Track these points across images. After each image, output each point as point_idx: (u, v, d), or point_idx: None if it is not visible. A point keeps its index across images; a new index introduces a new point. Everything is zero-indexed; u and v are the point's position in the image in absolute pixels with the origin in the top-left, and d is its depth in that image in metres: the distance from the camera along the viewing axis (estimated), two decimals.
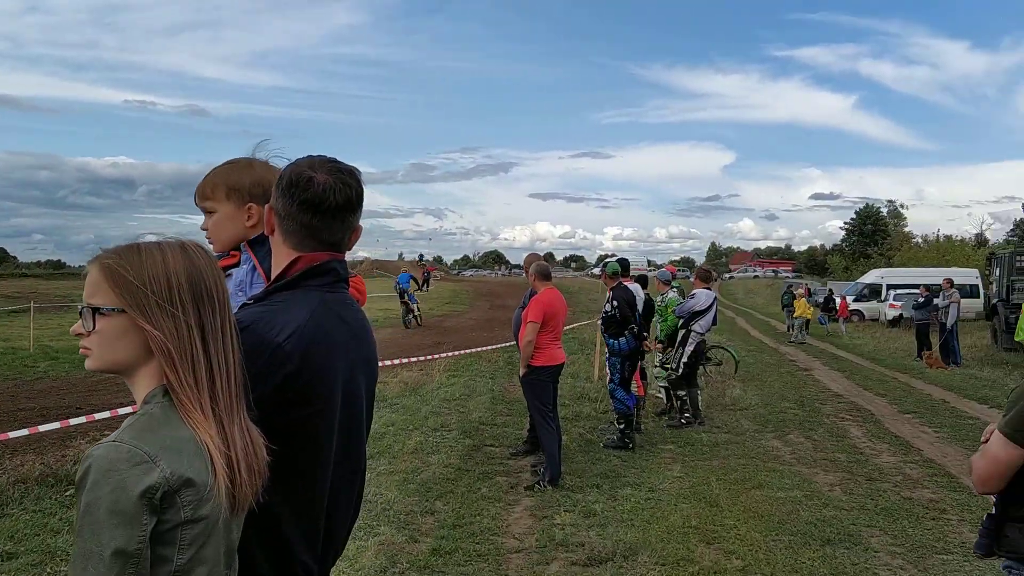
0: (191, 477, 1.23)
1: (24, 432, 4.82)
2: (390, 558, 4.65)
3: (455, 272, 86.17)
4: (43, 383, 11.24)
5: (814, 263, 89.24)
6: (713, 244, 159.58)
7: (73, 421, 5.15)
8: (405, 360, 10.42)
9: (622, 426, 7.53)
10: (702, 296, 8.95)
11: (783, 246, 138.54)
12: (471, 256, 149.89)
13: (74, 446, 6.95)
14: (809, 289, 26.51)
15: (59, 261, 68.03)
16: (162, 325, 1.30)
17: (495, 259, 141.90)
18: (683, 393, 8.83)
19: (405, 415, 8.93)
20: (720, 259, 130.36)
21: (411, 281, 23.67)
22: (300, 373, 1.54)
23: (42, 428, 4.84)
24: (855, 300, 30.67)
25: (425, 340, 17.87)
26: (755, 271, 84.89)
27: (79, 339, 1.35)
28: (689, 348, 8.82)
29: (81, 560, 1.16)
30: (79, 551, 1.17)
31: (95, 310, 1.31)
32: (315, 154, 1.69)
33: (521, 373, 6.47)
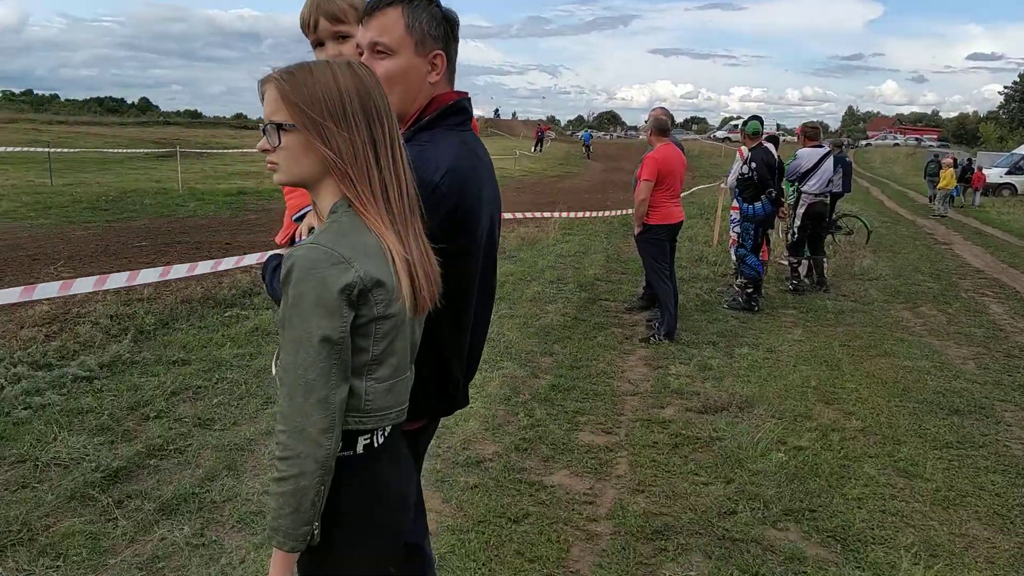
0: (381, 278, 1.34)
1: (184, 269, 5.30)
2: (513, 389, 4.96)
3: (569, 133, 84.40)
4: (194, 220, 12.14)
5: (963, 132, 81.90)
6: (850, 108, 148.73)
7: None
8: (520, 215, 10.56)
9: (750, 291, 7.46)
10: (805, 155, 8.46)
11: (930, 112, 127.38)
12: (585, 117, 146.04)
13: (228, 274, 7.62)
14: (955, 159, 24.46)
15: (196, 111, 71.32)
16: (336, 141, 1.37)
17: (610, 119, 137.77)
18: (794, 260, 8.58)
19: (523, 267, 9.17)
20: (857, 125, 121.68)
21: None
22: (457, 210, 1.64)
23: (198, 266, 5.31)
24: (1008, 173, 28.15)
25: (540, 199, 17.91)
26: (895, 138, 78.66)
27: (264, 155, 1.44)
28: (800, 211, 8.48)
29: (293, 346, 1.31)
30: (291, 338, 1.31)
31: (279, 126, 1.38)
32: None
33: (636, 232, 6.44)
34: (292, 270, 1.31)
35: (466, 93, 1.77)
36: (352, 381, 1.37)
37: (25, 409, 4.14)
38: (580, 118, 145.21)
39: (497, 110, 74.36)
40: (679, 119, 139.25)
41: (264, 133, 1.41)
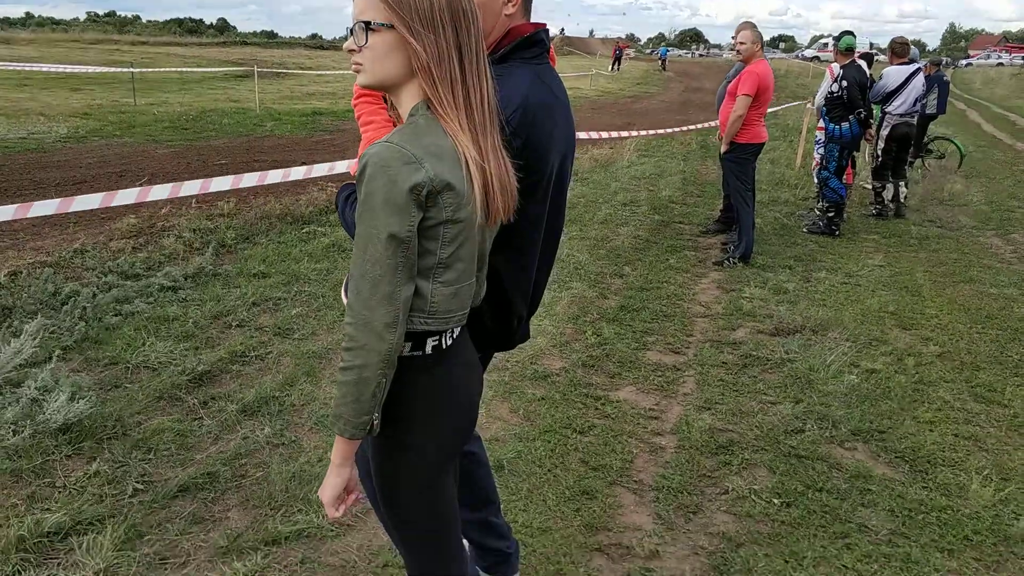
0: (451, 181, 1.35)
1: (254, 179, 5.44)
2: (582, 308, 4.99)
3: (648, 51, 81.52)
4: (271, 140, 12.37)
5: None
6: (952, 25, 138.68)
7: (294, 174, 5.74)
8: (595, 135, 10.36)
9: (831, 214, 7.22)
10: (892, 74, 7.94)
11: None
12: (666, 34, 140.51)
13: (305, 192, 7.79)
14: None
15: (272, 31, 71.82)
16: (424, 42, 1.36)
17: (692, 37, 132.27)
18: (878, 184, 8.20)
19: (595, 189, 9.06)
20: (958, 43, 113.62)
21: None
22: (525, 148, 1.59)
23: (269, 175, 5.45)
24: None
25: (616, 120, 17.52)
26: (999, 57, 73.20)
27: (351, 55, 1.43)
28: (884, 132, 8.04)
29: (363, 241, 1.35)
30: (361, 233, 1.35)
31: (367, 25, 1.38)
32: None
33: (723, 150, 6.25)
34: (365, 168, 1.33)
35: (544, 25, 1.71)
36: (419, 282, 1.40)
37: (116, 316, 4.39)
38: (661, 36, 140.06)
39: (563, 29, 71.94)
40: (766, 37, 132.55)
41: (351, 34, 1.42)
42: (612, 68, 42.94)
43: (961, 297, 5.49)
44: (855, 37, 7.45)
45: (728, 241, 6.61)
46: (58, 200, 4.26)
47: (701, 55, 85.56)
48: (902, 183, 8.29)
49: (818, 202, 7.48)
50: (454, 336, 1.53)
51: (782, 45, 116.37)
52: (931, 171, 10.97)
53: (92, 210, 5.31)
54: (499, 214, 1.46)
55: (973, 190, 9.87)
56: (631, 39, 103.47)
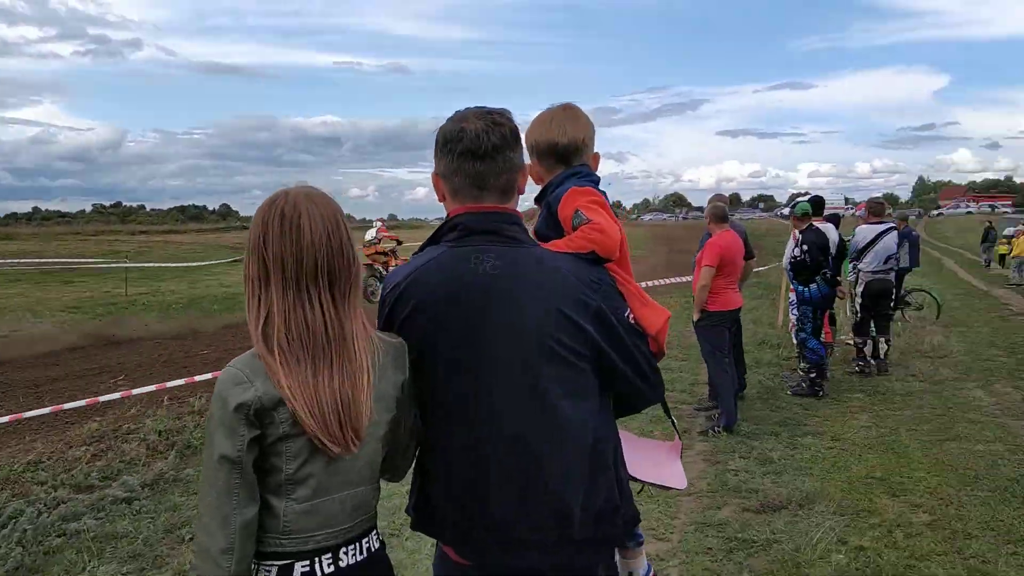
0: (282, 397, 1.36)
1: None
2: None
3: (633, 217, 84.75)
4: None
5: None
6: (921, 178, 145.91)
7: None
8: None
9: (814, 375, 7.19)
10: (862, 232, 8.25)
11: (1003, 178, 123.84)
12: (651, 199, 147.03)
13: None
14: None
15: None
16: (248, 268, 1.47)
17: (676, 202, 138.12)
18: (859, 340, 8.25)
19: None
20: (928, 194, 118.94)
21: None
22: (407, 321, 1.63)
23: None
24: None
25: None
26: (968, 206, 76.38)
27: None
28: (859, 288, 8.21)
29: (204, 465, 1.37)
30: (203, 458, 1.38)
31: None
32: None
33: (695, 318, 6.32)
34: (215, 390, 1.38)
35: (472, 208, 1.66)
36: (271, 500, 1.38)
37: (59, 536, 4.17)
38: (646, 201, 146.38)
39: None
40: (746, 198, 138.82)
41: None
42: None
43: (948, 457, 5.34)
44: (818, 203, 7.76)
45: (713, 407, 6.52)
46: (8, 416, 4.19)
47: (684, 218, 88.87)
48: (883, 339, 8.33)
49: (800, 363, 7.46)
50: (339, 565, 1.43)
51: (761, 205, 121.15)
52: (911, 323, 11.07)
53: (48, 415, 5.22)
54: (341, 440, 1.40)
55: (953, 340, 9.91)
56: (618, 206, 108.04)
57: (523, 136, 1.85)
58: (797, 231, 7.30)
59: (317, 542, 1.42)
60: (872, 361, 8.22)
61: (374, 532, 1.55)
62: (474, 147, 1.60)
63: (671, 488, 2.07)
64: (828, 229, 7.52)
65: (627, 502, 1.74)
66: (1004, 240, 23.15)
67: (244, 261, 1.46)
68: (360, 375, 1.44)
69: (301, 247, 1.43)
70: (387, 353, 1.54)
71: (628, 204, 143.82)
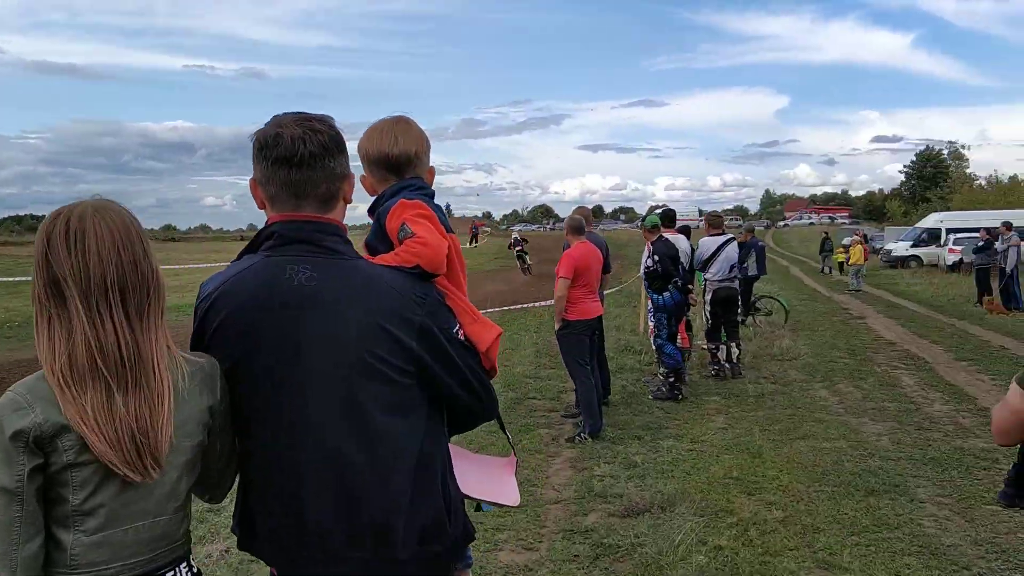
0: (66, 423, 1.27)
1: None
2: None
3: (504, 228, 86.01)
4: None
5: (872, 208, 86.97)
6: (767, 191, 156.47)
7: None
8: None
9: (672, 380, 7.48)
10: (705, 243, 8.78)
11: (840, 191, 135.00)
12: (520, 211, 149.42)
13: None
14: (865, 235, 25.83)
15: None
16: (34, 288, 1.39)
17: (544, 213, 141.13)
18: (712, 346, 8.72)
19: None
20: (775, 207, 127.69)
21: None
22: (219, 330, 1.57)
23: None
24: (913, 245, 29.74)
25: (471, 295, 17.93)
26: (810, 218, 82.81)
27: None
28: (707, 296, 8.73)
29: None
30: None
31: None
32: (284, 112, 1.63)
33: (556, 327, 6.44)
34: None
35: (289, 216, 1.60)
36: (59, 532, 1.30)
37: None
38: (515, 212, 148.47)
39: None
40: (608, 209, 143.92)
41: None
42: (471, 244, 44.80)
43: (798, 455, 5.69)
44: (669, 216, 8.21)
45: (579, 414, 6.64)
46: None
47: (551, 229, 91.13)
48: (734, 344, 8.80)
49: (659, 367, 7.76)
50: None
51: (623, 216, 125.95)
52: (761, 328, 11.79)
53: None
54: (139, 467, 1.32)
55: (800, 343, 10.63)
56: (487, 217, 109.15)
57: (357, 145, 1.83)
58: (649, 242, 7.62)
59: (112, 575, 1.33)
60: (726, 365, 8.67)
61: (183, 564, 1.45)
62: (289, 154, 1.54)
63: (504, 505, 2.04)
64: (679, 239, 8.01)
65: (457, 519, 1.68)
66: (842, 249, 25.34)
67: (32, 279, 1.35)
68: (160, 399, 1.36)
69: (87, 263, 1.34)
70: (193, 376, 1.45)
71: (497, 215, 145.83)
